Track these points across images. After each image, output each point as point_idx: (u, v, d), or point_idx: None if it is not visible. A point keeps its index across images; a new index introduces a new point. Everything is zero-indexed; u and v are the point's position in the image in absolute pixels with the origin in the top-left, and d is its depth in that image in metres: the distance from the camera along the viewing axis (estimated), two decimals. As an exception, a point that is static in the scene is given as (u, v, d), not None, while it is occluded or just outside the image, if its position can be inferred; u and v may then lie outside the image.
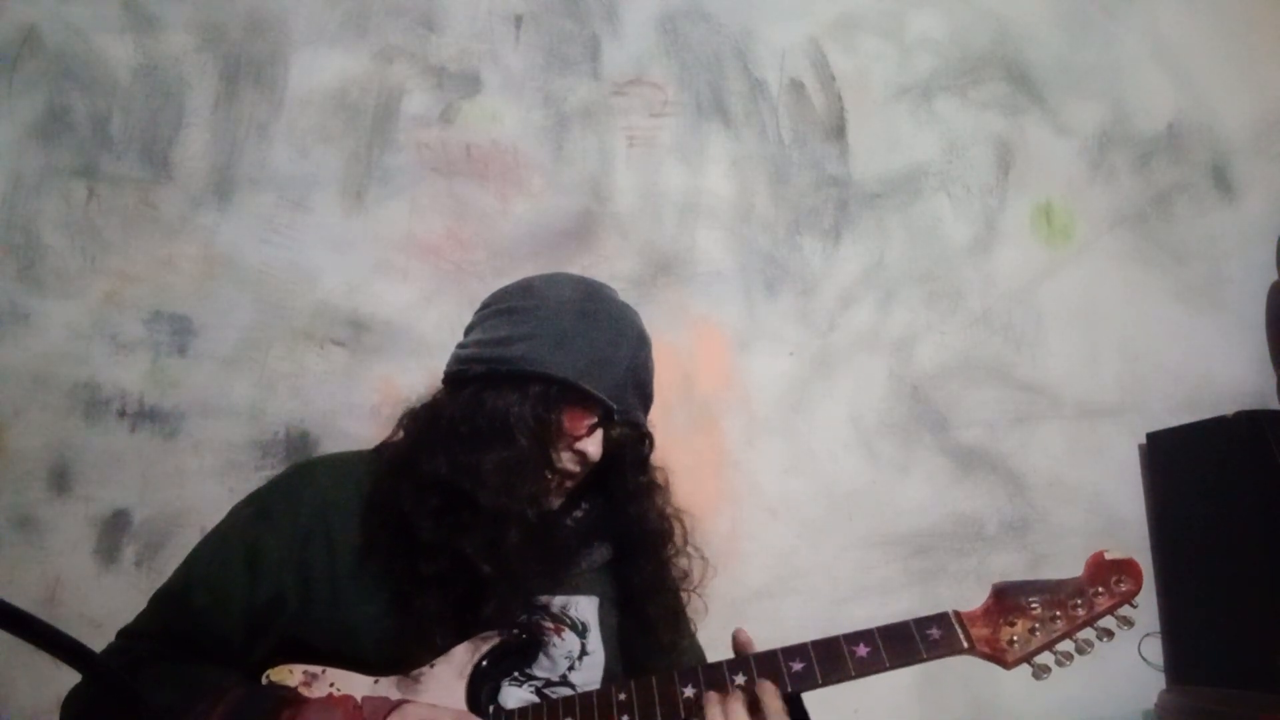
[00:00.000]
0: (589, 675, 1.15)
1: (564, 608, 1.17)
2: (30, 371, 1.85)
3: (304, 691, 1.03)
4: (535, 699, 1.10)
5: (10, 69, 1.96)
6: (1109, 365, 2.49)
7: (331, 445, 1.92)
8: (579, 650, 1.16)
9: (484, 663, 1.08)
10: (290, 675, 1.04)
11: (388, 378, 2.01)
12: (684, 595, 1.26)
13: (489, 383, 1.13)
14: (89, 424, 1.86)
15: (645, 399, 1.21)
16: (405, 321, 2.06)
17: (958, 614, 1.09)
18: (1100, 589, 1.08)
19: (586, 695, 1.06)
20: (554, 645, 1.13)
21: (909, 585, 2.22)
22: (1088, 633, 1.08)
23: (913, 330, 2.38)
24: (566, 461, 1.14)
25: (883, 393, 2.33)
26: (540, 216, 2.20)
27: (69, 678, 0.99)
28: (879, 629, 1.07)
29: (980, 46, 2.61)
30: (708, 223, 2.31)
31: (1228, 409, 2.26)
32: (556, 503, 1.18)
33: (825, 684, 1.05)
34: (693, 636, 1.32)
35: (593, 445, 1.14)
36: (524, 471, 1.10)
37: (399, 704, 1.02)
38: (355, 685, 1.05)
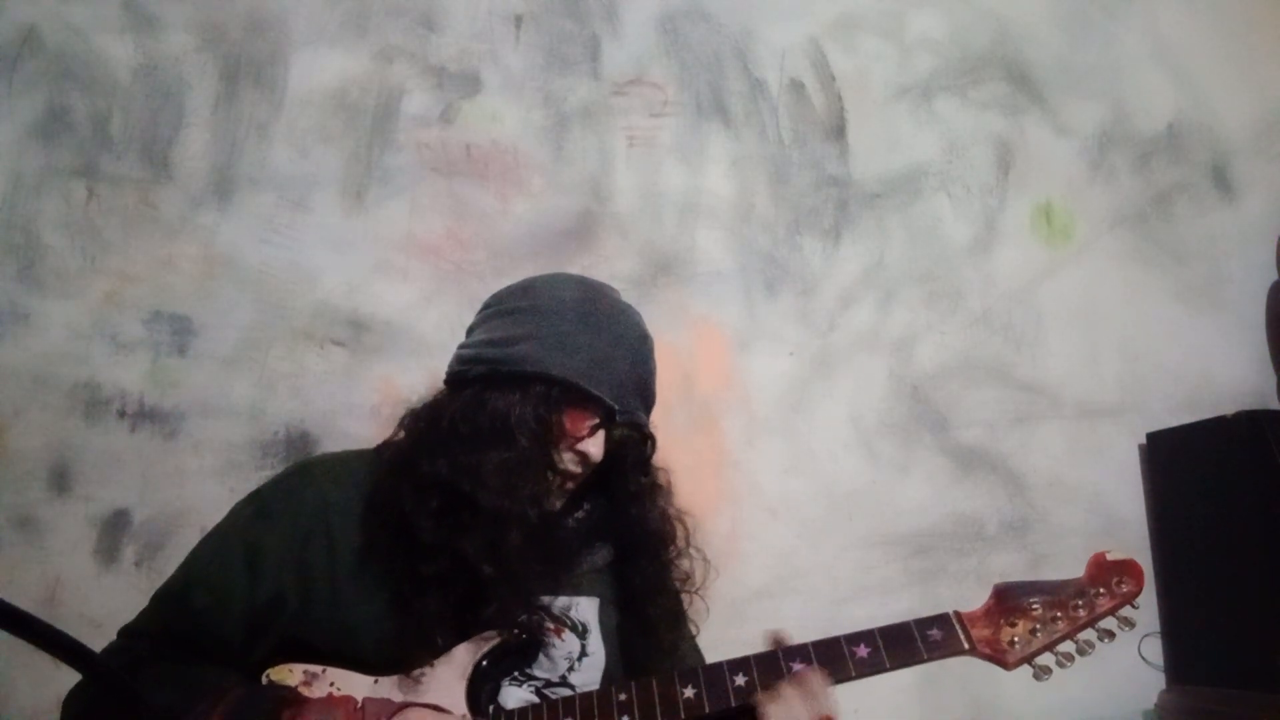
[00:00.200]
0: (589, 676, 1.15)
1: (564, 609, 1.17)
2: (30, 371, 1.85)
3: (304, 691, 1.03)
4: (535, 699, 1.10)
5: (10, 69, 1.96)
6: (1109, 365, 2.49)
7: (331, 445, 1.92)
8: (579, 651, 1.16)
9: (484, 663, 1.08)
10: (290, 675, 1.04)
11: (388, 378, 2.01)
12: (685, 597, 1.26)
13: (491, 383, 1.13)
14: (89, 424, 1.86)
15: (647, 400, 1.21)
16: (405, 321, 2.06)
17: (959, 615, 1.08)
18: (1101, 590, 1.08)
19: (587, 696, 1.06)
20: (554, 646, 1.13)
21: (909, 585, 2.22)
22: (1089, 633, 1.08)
23: (913, 330, 2.38)
24: (568, 462, 1.14)
25: (883, 393, 2.33)
26: (540, 216, 2.20)
27: (69, 678, 0.99)
28: (880, 630, 1.07)
29: (980, 46, 2.61)
30: (708, 223, 2.31)
31: (1228, 409, 2.26)
32: (558, 504, 1.17)
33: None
34: (693, 638, 1.31)
35: (594, 446, 1.13)
36: (525, 472, 1.10)
37: (402, 707, 1.02)
38: (355, 685, 1.05)
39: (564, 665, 1.14)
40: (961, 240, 2.47)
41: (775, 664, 1.05)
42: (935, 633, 1.07)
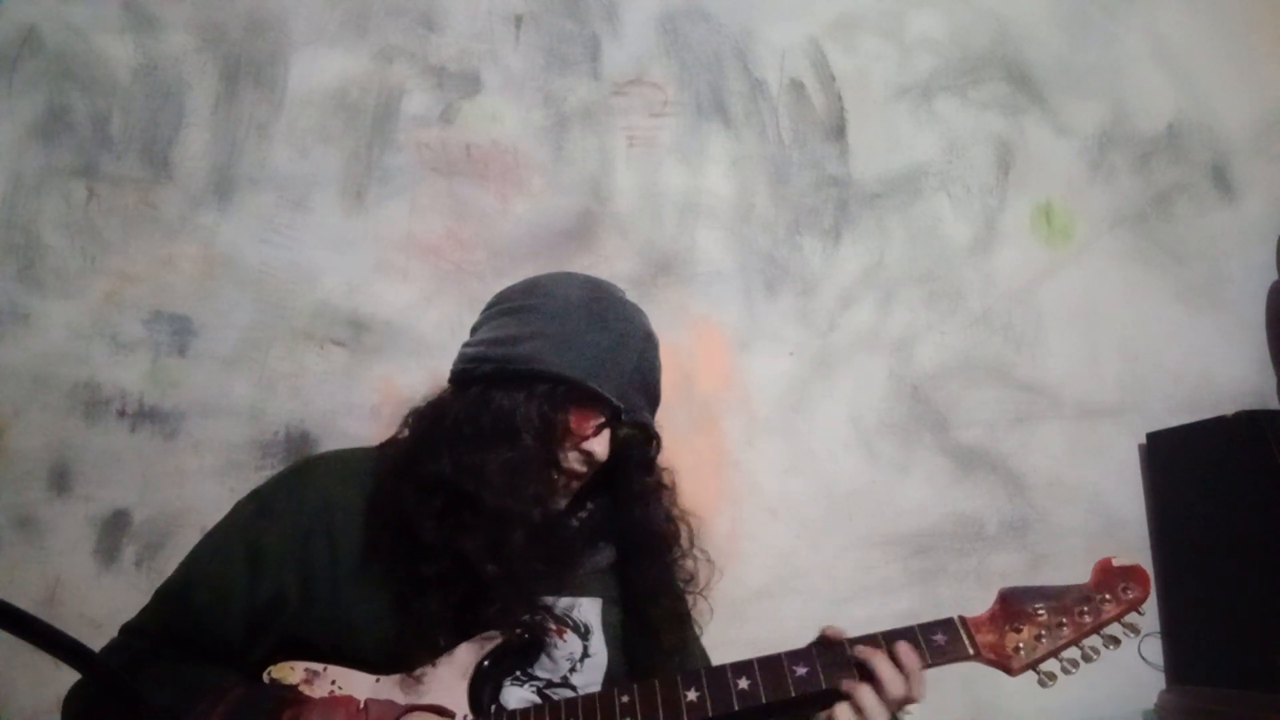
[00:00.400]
0: (590, 677, 1.15)
1: (567, 609, 1.16)
2: (30, 371, 1.85)
3: (305, 690, 1.03)
4: (537, 699, 1.10)
5: (10, 69, 1.96)
6: (1109, 365, 2.49)
7: (331, 445, 1.90)
8: (581, 652, 1.15)
9: (486, 663, 1.07)
10: (292, 672, 1.04)
11: (388, 378, 2.01)
12: (689, 598, 1.25)
13: (495, 382, 1.12)
14: (89, 424, 1.86)
15: (652, 399, 1.20)
16: (405, 321, 2.06)
17: (963, 619, 1.08)
18: (1107, 596, 1.07)
19: (589, 697, 1.05)
20: (556, 647, 1.13)
21: (909, 585, 2.22)
22: (1094, 639, 1.07)
23: (913, 330, 2.38)
24: (573, 462, 1.14)
25: (883, 393, 2.33)
26: (540, 216, 2.20)
27: (69, 678, 0.99)
28: (884, 634, 1.06)
29: (980, 46, 2.61)
30: (708, 223, 2.31)
31: (1228, 409, 2.26)
32: (562, 503, 1.17)
33: (829, 687, 1.04)
34: (697, 639, 1.30)
35: (599, 445, 1.13)
36: (530, 472, 1.09)
37: (407, 710, 1.01)
38: (356, 683, 1.04)
39: (565, 666, 1.13)
40: (961, 240, 2.47)
41: (779, 668, 1.04)
42: (940, 638, 1.06)
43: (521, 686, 1.11)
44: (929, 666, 1.06)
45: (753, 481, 2.20)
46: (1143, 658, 2.28)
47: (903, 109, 2.51)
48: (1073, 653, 1.07)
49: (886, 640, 1.06)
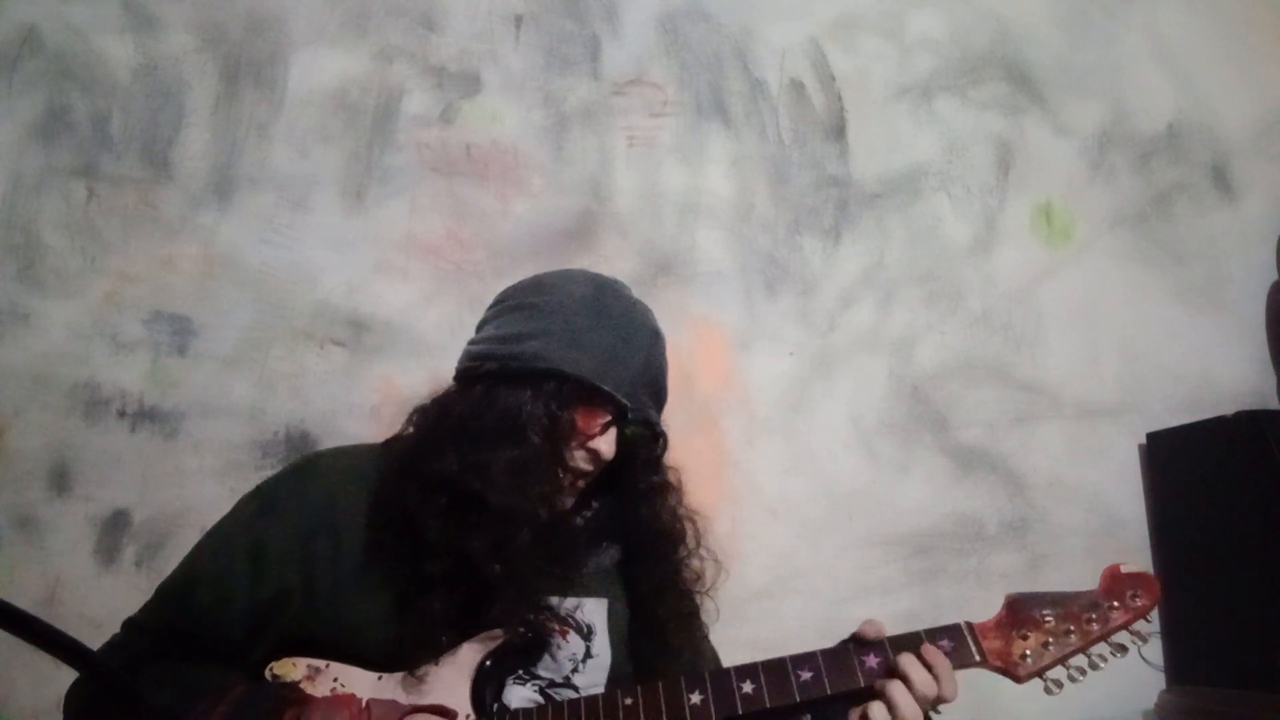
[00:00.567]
0: (593, 678, 1.14)
1: (571, 610, 1.15)
2: (30, 371, 1.85)
3: (307, 687, 1.02)
4: (539, 699, 1.09)
5: (10, 69, 1.96)
6: (1109, 365, 2.49)
7: (331, 445, 1.91)
8: (583, 653, 1.14)
9: (488, 662, 1.07)
10: (294, 668, 1.03)
11: (388, 378, 2.00)
12: (696, 597, 1.24)
13: (501, 380, 1.12)
14: (89, 424, 1.86)
15: (659, 397, 1.20)
16: (405, 321, 2.06)
17: (970, 625, 1.06)
18: (1115, 603, 1.06)
19: (593, 698, 1.05)
20: (559, 647, 1.12)
21: (909, 585, 2.22)
22: (1100, 646, 1.05)
23: (913, 330, 2.38)
24: (579, 460, 1.13)
25: (883, 393, 2.33)
26: (540, 216, 2.20)
27: (69, 678, 0.99)
28: (890, 639, 1.05)
29: (980, 46, 2.61)
30: (708, 223, 2.31)
31: (1228, 409, 2.26)
32: (568, 502, 1.16)
33: (833, 691, 1.03)
34: (706, 639, 1.30)
35: (606, 444, 1.12)
36: (536, 470, 1.08)
37: (410, 711, 1.01)
38: (359, 681, 1.04)
39: (568, 666, 1.13)
40: (961, 240, 2.47)
41: (784, 672, 1.03)
42: (946, 643, 1.04)
43: (524, 686, 1.10)
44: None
45: (753, 481, 2.19)
46: (1143, 658, 2.26)
47: (903, 109, 2.51)
48: (1079, 660, 1.05)
49: (893, 646, 1.05)
